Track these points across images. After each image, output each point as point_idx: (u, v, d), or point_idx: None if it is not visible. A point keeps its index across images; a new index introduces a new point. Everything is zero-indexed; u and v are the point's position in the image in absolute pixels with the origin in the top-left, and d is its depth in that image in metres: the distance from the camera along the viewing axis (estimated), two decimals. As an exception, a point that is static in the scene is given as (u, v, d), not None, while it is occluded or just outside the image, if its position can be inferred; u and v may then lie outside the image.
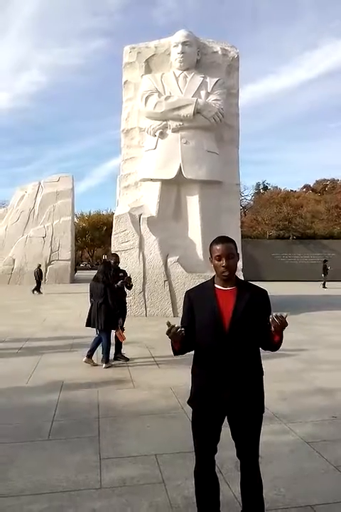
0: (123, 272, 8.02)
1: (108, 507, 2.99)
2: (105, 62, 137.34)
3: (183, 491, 3.17)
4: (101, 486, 3.28)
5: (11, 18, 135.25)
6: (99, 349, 7.18)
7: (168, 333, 2.40)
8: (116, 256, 7.99)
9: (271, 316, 2.36)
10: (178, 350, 2.53)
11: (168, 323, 2.39)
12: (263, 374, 2.59)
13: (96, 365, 7.05)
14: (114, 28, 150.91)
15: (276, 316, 2.33)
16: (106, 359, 7.01)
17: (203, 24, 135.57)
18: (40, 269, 24.23)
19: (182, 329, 2.40)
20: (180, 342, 2.47)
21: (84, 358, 7.02)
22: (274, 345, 2.49)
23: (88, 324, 7.16)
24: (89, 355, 7.07)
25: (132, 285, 8.10)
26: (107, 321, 6.94)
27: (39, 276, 23.46)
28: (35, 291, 22.47)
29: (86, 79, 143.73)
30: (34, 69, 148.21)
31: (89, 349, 7.11)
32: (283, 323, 2.33)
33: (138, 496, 3.12)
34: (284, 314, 2.33)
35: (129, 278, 7.84)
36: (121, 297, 7.65)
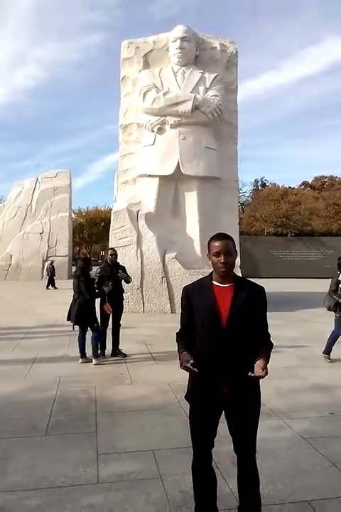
0: (123, 267, 7.96)
1: (105, 502, 3.00)
2: (103, 56, 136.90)
3: (180, 486, 3.18)
4: (98, 481, 3.29)
5: (8, 12, 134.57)
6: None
7: (184, 366, 2.39)
8: (114, 251, 7.88)
9: (255, 369, 2.38)
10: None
11: (189, 362, 2.37)
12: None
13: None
14: (111, 23, 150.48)
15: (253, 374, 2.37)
16: (96, 354, 6.98)
17: (202, 18, 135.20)
18: (53, 265, 24.78)
19: (196, 366, 2.38)
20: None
21: (80, 360, 6.99)
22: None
23: (68, 318, 7.21)
24: (82, 355, 7.06)
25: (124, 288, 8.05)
26: (79, 314, 6.96)
27: (52, 271, 23.94)
28: (50, 286, 23.01)
29: (84, 73, 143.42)
30: (31, 63, 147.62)
31: (79, 350, 7.09)
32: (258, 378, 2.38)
33: (135, 491, 3.13)
34: (261, 372, 2.35)
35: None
36: (119, 294, 7.62)
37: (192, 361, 2.36)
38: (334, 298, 7.36)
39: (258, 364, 2.39)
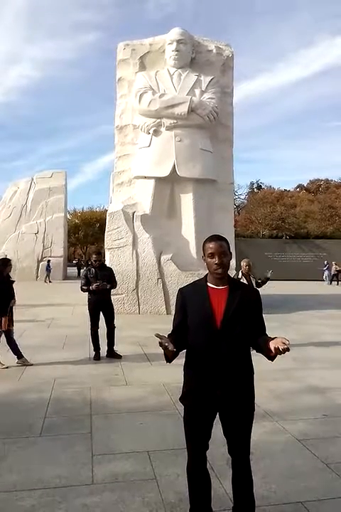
0: (110, 269, 7.91)
1: (100, 503, 3.00)
2: (97, 55, 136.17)
3: (175, 487, 3.19)
4: (93, 481, 3.29)
5: (1, 10, 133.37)
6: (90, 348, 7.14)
7: (160, 345, 2.35)
8: (98, 257, 7.61)
9: (273, 345, 2.31)
10: (171, 357, 2.47)
11: (157, 335, 2.36)
12: (253, 372, 2.61)
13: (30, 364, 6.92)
14: (105, 22, 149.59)
15: (279, 349, 2.28)
16: None
17: (197, 18, 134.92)
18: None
19: (174, 349, 2.35)
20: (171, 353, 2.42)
21: (16, 361, 6.85)
22: (269, 357, 2.46)
23: None
24: (19, 356, 6.90)
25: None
26: None
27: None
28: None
29: (78, 73, 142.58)
30: (25, 62, 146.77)
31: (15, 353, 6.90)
32: (284, 351, 2.28)
33: (130, 492, 3.13)
34: (287, 343, 2.28)
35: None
36: (106, 296, 7.54)
37: (170, 346, 2.32)
38: None
39: (276, 341, 2.32)
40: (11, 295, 6.91)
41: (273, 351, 2.33)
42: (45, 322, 11.19)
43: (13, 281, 7.11)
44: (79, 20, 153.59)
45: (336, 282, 30.15)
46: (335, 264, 30.47)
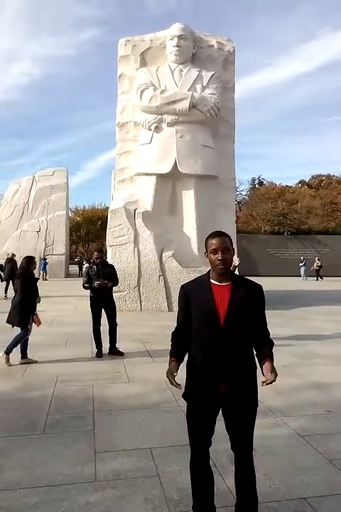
0: (111, 267, 7.90)
1: (103, 500, 3.00)
2: (98, 52, 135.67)
3: (178, 483, 3.19)
4: (96, 479, 3.29)
5: (1, 6, 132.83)
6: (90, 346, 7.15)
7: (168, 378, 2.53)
8: (99, 254, 7.61)
9: (264, 379, 2.44)
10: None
11: (174, 377, 2.51)
12: (256, 369, 2.61)
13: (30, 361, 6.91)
14: (106, 18, 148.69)
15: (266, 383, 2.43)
16: (8, 349, 6.73)
17: (198, 14, 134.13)
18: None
19: (179, 385, 2.48)
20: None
21: (20, 360, 6.81)
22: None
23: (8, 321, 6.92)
24: (23, 356, 6.89)
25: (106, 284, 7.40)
26: (11, 314, 6.79)
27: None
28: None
29: (79, 69, 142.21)
30: (26, 59, 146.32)
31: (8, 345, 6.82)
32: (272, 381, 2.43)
33: (132, 489, 3.13)
34: (273, 382, 2.43)
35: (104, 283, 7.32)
36: (108, 293, 7.54)
37: (175, 382, 2.47)
38: None
39: (267, 367, 2.45)
40: (36, 293, 7.01)
41: (264, 379, 2.44)
42: (47, 319, 11.19)
43: (38, 279, 7.17)
44: (79, 16, 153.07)
45: (315, 278, 29.30)
46: (317, 260, 30.11)
